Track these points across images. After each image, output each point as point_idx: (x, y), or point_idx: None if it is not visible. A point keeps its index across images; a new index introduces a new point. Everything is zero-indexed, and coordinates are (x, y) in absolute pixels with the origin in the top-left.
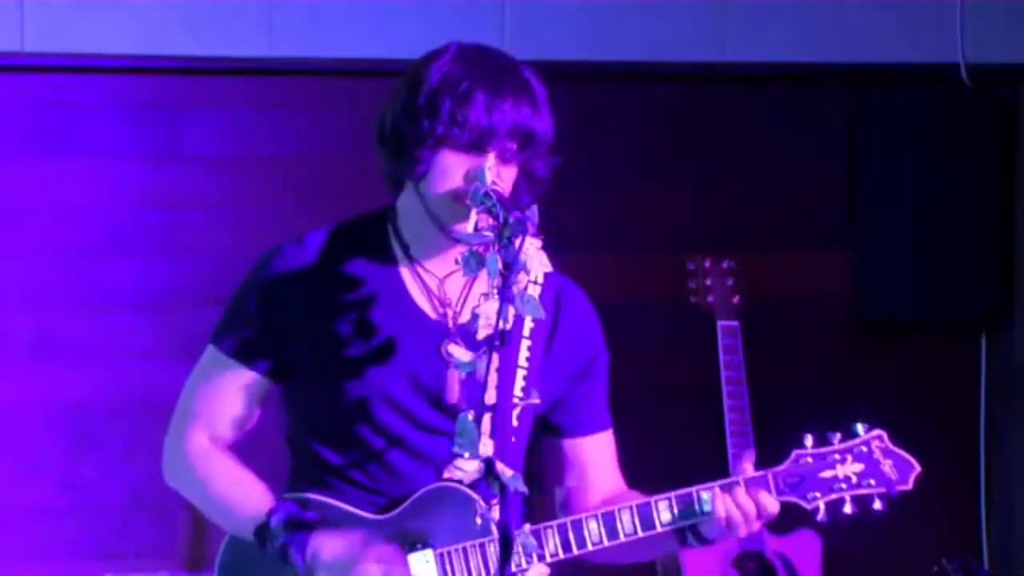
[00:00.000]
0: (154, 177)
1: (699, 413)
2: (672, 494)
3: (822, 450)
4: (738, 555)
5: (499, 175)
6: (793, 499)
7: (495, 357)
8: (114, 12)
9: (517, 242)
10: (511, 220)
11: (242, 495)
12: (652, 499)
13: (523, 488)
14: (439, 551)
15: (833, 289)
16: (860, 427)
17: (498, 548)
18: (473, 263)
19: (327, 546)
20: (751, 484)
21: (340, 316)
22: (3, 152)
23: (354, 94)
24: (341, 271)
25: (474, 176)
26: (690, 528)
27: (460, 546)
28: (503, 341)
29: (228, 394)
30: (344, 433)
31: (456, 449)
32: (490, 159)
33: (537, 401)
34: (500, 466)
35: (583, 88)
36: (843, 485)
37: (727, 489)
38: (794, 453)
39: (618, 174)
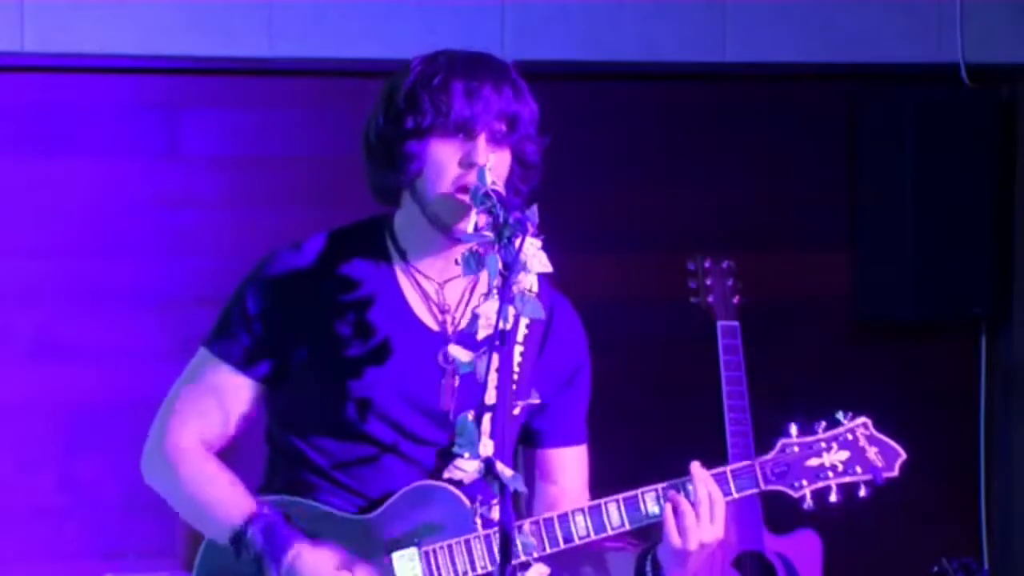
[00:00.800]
0: (154, 177)
1: (699, 413)
2: (658, 486)
3: (808, 439)
4: (738, 555)
5: (490, 162)
6: (780, 487)
7: (495, 357)
8: (114, 12)
9: (517, 242)
10: (511, 220)
11: (219, 499)
12: (639, 491)
13: (523, 488)
14: (424, 549)
15: (833, 289)
16: (843, 415)
17: (498, 548)
18: (473, 263)
19: (305, 556)
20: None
21: (335, 321)
22: (3, 152)
23: (354, 94)
24: (337, 277)
25: (470, 162)
26: (651, 561)
27: (445, 543)
28: (503, 341)
29: (217, 398)
30: (333, 437)
31: (456, 449)
32: (481, 143)
33: (537, 401)
34: (500, 466)
35: (583, 88)
36: (829, 473)
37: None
38: (780, 442)
39: (618, 174)
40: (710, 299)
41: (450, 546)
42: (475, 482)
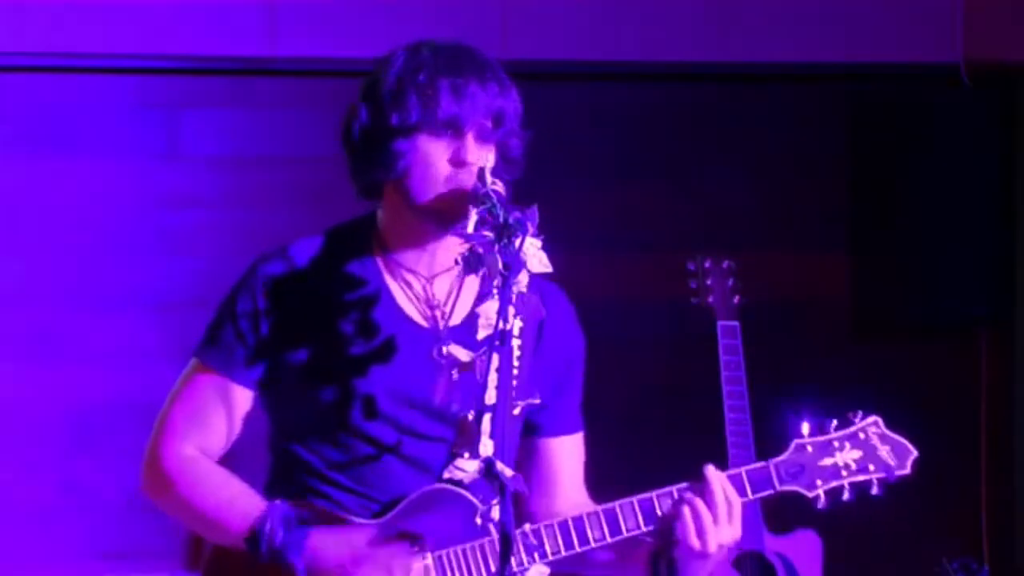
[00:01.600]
0: (154, 177)
1: (699, 413)
2: (673, 488)
3: (821, 439)
4: (738, 555)
5: (479, 158)
6: (795, 488)
7: (495, 357)
8: (114, 12)
9: (517, 242)
10: (511, 220)
11: (228, 501)
12: (653, 494)
13: (524, 488)
14: (436, 554)
15: (833, 289)
16: (856, 415)
17: (498, 547)
18: (473, 263)
19: (327, 546)
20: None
21: (325, 323)
22: (3, 152)
23: (354, 94)
24: (323, 278)
25: (460, 160)
26: (665, 561)
27: (458, 548)
28: (503, 341)
29: (211, 408)
30: (332, 438)
31: (456, 449)
32: (470, 140)
33: (537, 401)
34: (500, 466)
35: (583, 88)
36: (843, 472)
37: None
38: (794, 443)
39: (618, 174)
40: (710, 299)
41: (464, 551)
42: (478, 483)
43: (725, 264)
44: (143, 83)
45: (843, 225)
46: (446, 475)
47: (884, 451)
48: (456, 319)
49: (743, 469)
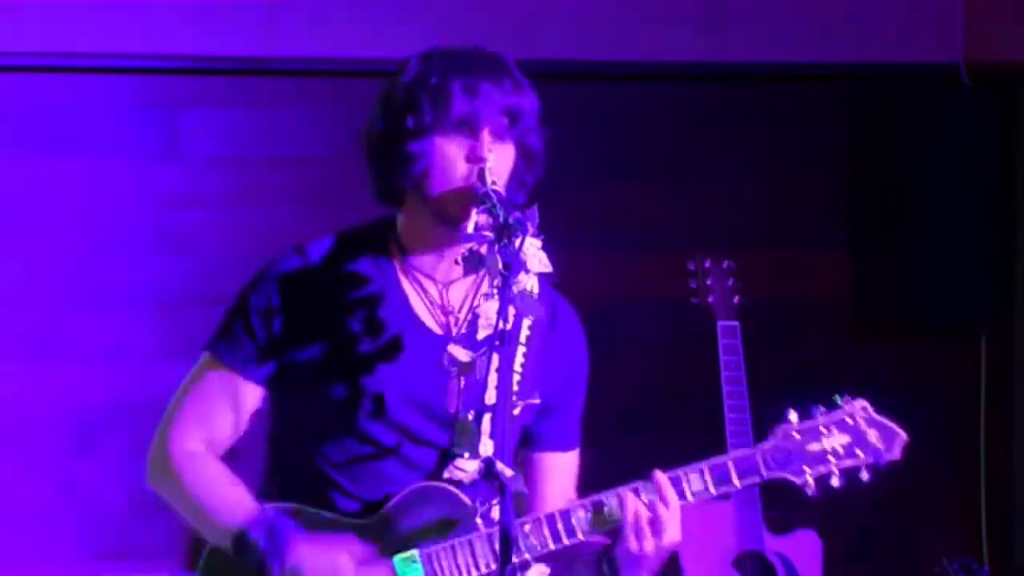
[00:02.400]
0: (154, 177)
1: (699, 413)
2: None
3: (807, 424)
4: (738, 555)
5: (497, 155)
6: (783, 475)
7: (495, 357)
8: (114, 12)
9: (517, 242)
10: (511, 220)
11: (221, 501)
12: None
13: (523, 488)
14: (425, 551)
15: (833, 289)
16: (841, 398)
17: (499, 547)
18: (473, 263)
19: (308, 556)
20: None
21: (339, 324)
22: (3, 152)
23: (354, 94)
24: (340, 279)
25: (478, 157)
26: (607, 560)
27: (446, 545)
28: (503, 341)
29: (221, 403)
30: (333, 439)
31: (456, 449)
32: (485, 137)
33: (537, 401)
34: (500, 466)
35: (583, 88)
36: (831, 458)
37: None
38: (780, 429)
39: (618, 174)
40: (710, 299)
41: (452, 547)
42: (477, 483)
43: (725, 264)
44: (143, 83)
45: (843, 225)
46: (446, 475)
47: (872, 435)
48: (469, 326)
49: (728, 458)
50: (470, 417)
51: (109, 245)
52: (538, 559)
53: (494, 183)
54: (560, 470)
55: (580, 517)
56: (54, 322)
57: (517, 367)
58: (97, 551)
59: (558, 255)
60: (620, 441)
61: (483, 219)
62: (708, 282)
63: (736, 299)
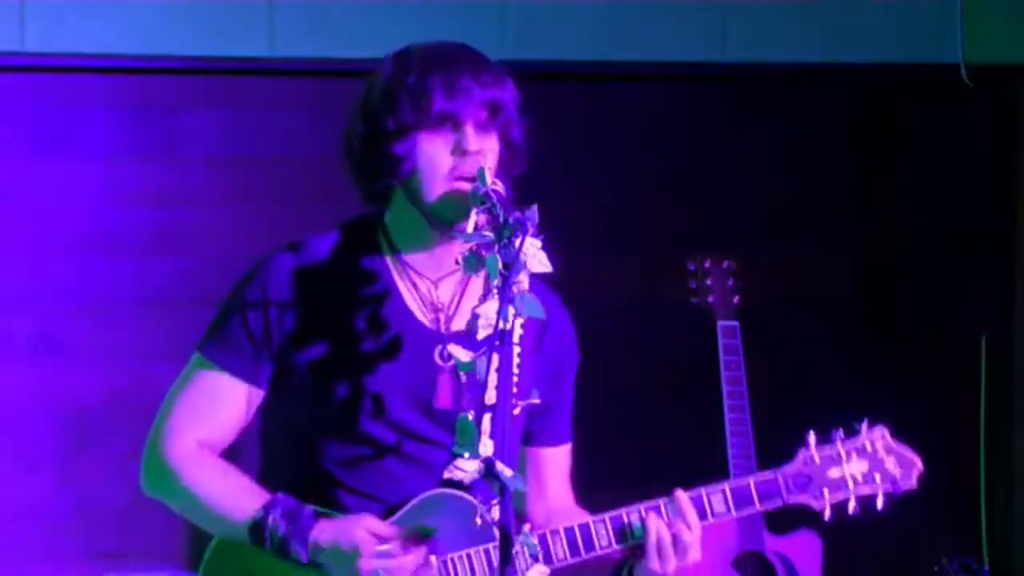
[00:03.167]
0: (154, 177)
1: (699, 413)
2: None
3: (828, 449)
4: (738, 555)
5: (482, 149)
6: (803, 499)
7: (495, 357)
8: (114, 12)
9: (517, 242)
10: (511, 220)
11: (229, 493)
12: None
13: (523, 488)
14: (441, 558)
15: (833, 289)
16: (862, 424)
17: (498, 547)
18: (473, 263)
19: (330, 535)
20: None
21: (333, 321)
22: (3, 152)
23: (354, 94)
24: (335, 276)
25: (463, 150)
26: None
27: (463, 553)
28: (503, 341)
29: (215, 405)
30: (332, 437)
31: (456, 449)
32: (469, 130)
33: (537, 401)
34: (500, 466)
35: (583, 88)
36: (850, 484)
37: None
38: (801, 453)
39: (618, 174)
40: (710, 299)
41: (468, 555)
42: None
43: (725, 264)
44: (143, 83)
45: (843, 225)
46: (446, 475)
47: (890, 462)
48: (459, 323)
49: (751, 479)
50: (470, 417)
51: (109, 245)
52: (554, 572)
53: (494, 183)
54: (553, 464)
55: (600, 533)
56: (54, 322)
57: (515, 368)
58: (97, 551)
59: (558, 255)
60: (620, 441)
61: (483, 219)
62: (708, 282)
63: (736, 299)
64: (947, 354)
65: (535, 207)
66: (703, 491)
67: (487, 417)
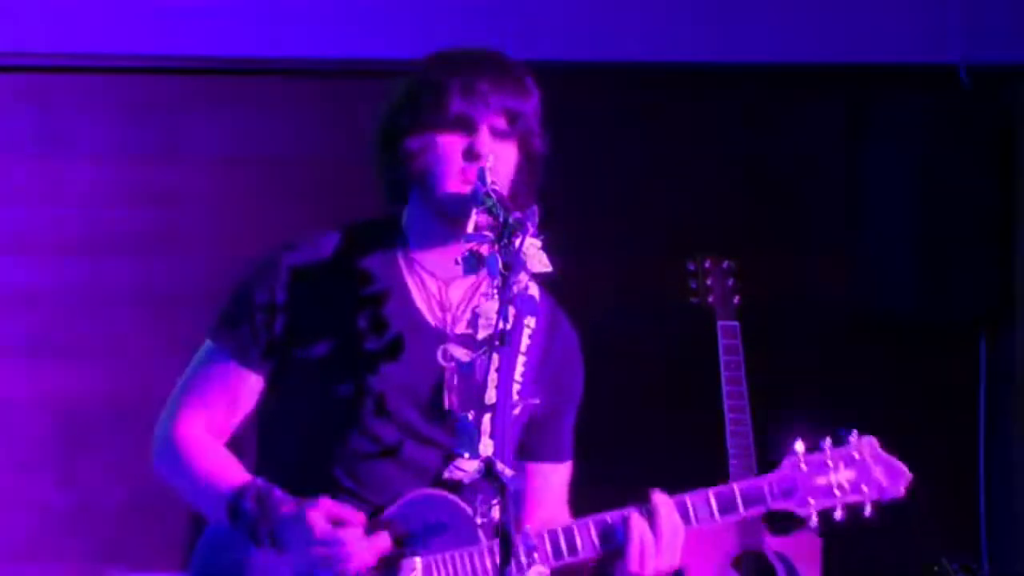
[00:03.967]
0: (154, 177)
1: (699, 413)
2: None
3: (815, 457)
4: (738, 555)
5: (498, 155)
6: (788, 506)
7: (495, 357)
8: (114, 12)
9: (517, 242)
10: (511, 220)
11: (218, 472)
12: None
13: (523, 487)
14: (426, 559)
15: (833, 289)
16: (851, 434)
17: (499, 548)
18: (473, 263)
19: (289, 518)
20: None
21: (342, 316)
22: (3, 152)
23: (355, 94)
24: (346, 272)
25: (475, 154)
26: None
27: (447, 555)
28: (503, 341)
29: (223, 391)
30: (333, 434)
31: (456, 449)
32: (484, 134)
33: (537, 401)
34: (500, 466)
35: (583, 88)
36: (837, 492)
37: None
38: (787, 460)
39: (618, 174)
40: (710, 299)
41: (452, 557)
42: (477, 483)
43: (725, 264)
44: (143, 83)
45: (843, 225)
46: (446, 475)
47: (878, 471)
48: (464, 322)
49: (735, 485)
50: (470, 417)
51: (108, 244)
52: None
53: (494, 183)
54: (552, 482)
55: (583, 536)
56: (54, 322)
57: (518, 376)
58: (97, 551)
59: (558, 255)
60: (620, 441)
61: (483, 219)
62: (708, 282)
63: (736, 299)
64: (947, 353)
65: (535, 207)
66: (688, 497)
67: (487, 417)
